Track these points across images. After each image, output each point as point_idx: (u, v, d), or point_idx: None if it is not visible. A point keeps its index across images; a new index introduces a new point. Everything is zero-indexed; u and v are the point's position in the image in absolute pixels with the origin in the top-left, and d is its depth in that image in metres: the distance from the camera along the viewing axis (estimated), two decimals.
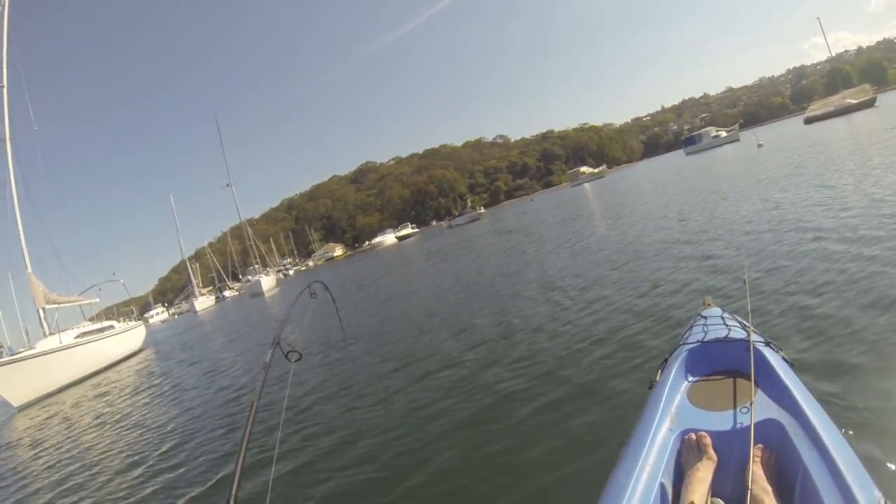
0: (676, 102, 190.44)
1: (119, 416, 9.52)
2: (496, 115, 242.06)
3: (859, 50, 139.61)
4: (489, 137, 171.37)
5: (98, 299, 27.03)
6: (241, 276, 75.49)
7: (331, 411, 5.36)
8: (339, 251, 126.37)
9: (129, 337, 25.49)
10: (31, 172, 22.96)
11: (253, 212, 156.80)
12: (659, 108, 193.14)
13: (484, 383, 4.86)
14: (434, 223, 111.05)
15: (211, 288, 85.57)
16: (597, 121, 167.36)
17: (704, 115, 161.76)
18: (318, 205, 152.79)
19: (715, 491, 1.80)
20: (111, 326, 24.77)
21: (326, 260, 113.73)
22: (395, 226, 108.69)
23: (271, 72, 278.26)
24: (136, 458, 6.18)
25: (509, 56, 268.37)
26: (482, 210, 76.32)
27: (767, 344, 2.41)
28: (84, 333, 22.03)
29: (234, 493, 1.48)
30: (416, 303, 11.87)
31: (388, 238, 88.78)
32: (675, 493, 1.80)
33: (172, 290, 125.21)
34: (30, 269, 21.30)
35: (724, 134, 65.90)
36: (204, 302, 65.11)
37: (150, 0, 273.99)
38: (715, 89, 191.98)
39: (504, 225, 30.97)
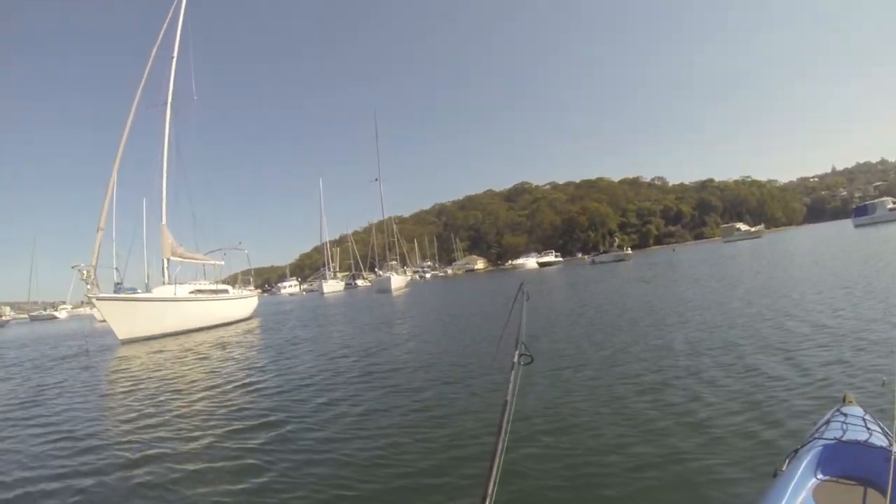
0: (850, 165, 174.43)
1: (199, 375, 9.89)
2: (657, 153, 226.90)
3: None
4: (647, 177, 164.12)
5: (223, 262, 28.02)
6: (377, 269, 77.80)
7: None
8: (480, 264, 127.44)
9: (240, 303, 26.14)
10: (185, 136, 23.87)
11: (403, 211, 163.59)
12: (829, 170, 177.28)
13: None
14: (579, 255, 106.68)
15: (347, 273, 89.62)
16: (760, 175, 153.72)
17: (880, 183, 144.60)
18: (468, 215, 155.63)
19: None
20: (226, 290, 25.66)
21: (467, 271, 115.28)
22: (541, 250, 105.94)
23: (445, 82, 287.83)
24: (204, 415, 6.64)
25: (683, 94, 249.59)
26: (629, 251, 70.94)
27: None
28: (199, 290, 22.81)
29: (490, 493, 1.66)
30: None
31: (531, 262, 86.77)
32: None
33: (311, 267, 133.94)
34: (164, 221, 22.29)
35: None
36: (333, 286, 68.52)
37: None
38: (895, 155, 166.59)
39: (651, 272, 27.33)
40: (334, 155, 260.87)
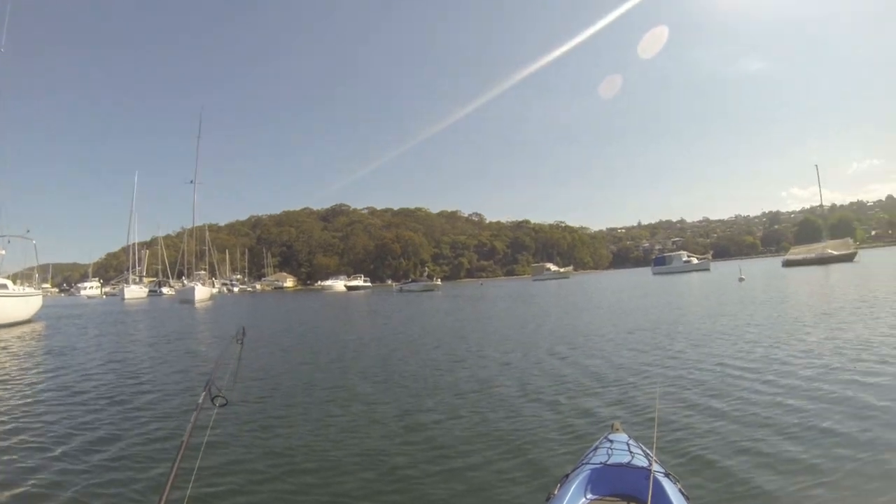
0: (653, 221, 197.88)
1: None
2: (476, 190, 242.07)
3: (833, 207, 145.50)
4: (465, 213, 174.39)
5: (3, 251, 25.34)
6: (184, 278, 73.42)
7: (251, 455, 4.98)
8: (290, 282, 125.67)
9: (17, 302, 23.74)
10: None
11: (219, 218, 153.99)
12: (636, 224, 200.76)
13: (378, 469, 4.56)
14: (390, 282, 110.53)
15: (154, 279, 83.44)
16: (573, 221, 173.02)
17: (678, 238, 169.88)
18: (282, 231, 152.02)
19: None
20: (3, 286, 23.16)
21: (276, 288, 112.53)
22: (351, 273, 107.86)
23: (269, 74, 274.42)
24: None
25: (516, 141, 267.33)
26: (439, 282, 74.45)
27: (667, 475, 2.48)
28: None
29: None
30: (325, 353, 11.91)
31: (339, 284, 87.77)
32: None
33: (117, 268, 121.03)
34: None
35: (695, 261, 67.46)
36: (135, 291, 63.43)
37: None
38: (692, 217, 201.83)
39: (452, 305, 30.16)
40: (154, 150, 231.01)
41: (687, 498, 2.40)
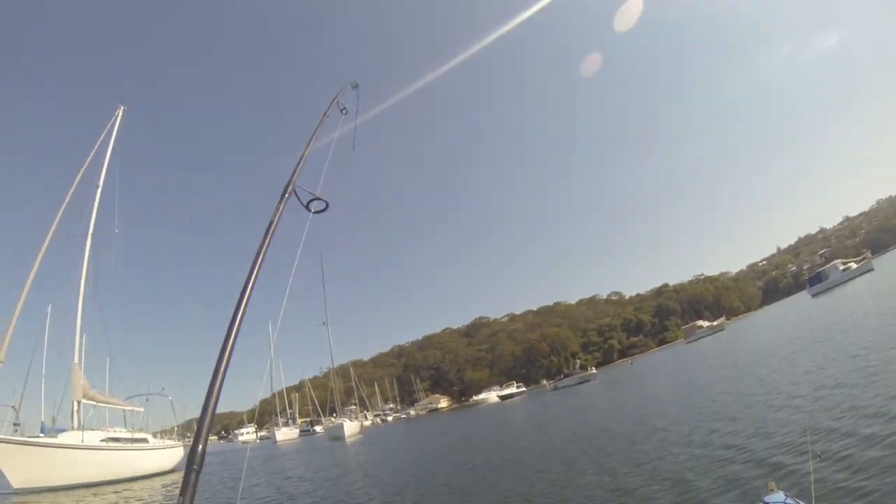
0: (792, 242, 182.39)
1: None
2: (611, 271, 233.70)
3: None
4: (603, 294, 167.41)
5: (142, 409, 26.15)
6: (336, 414, 74.24)
7: None
8: (444, 402, 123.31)
9: (161, 455, 24.09)
10: (104, 271, 22.97)
11: (363, 354, 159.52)
12: (774, 251, 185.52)
13: None
14: (543, 382, 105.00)
15: (306, 419, 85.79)
16: (712, 270, 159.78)
17: (824, 250, 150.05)
18: (427, 355, 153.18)
19: None
20: (144, 440, 23.70)
21: (430, 410, 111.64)
22: (503, 382, 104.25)
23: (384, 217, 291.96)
24: None
25: (629, 209, 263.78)
26: (593, 370, 70.21)
27: None
28: (112, 438, 21.06)
29: None
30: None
31: (492, 396, 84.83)
32: None
33: (270, 413, 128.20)
34: (76, 360, 21.04)
35: (853, 265, 58.49)
36: (287, 433, 64.66)
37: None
38: (830, 222, 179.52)
39: (618, 391, 26.53)
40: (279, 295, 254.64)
41: None
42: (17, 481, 16.20)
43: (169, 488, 17.23)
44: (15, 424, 18.18)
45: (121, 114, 25.69)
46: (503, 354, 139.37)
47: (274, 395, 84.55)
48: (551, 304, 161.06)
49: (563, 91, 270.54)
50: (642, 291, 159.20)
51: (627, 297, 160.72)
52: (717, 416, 9.13)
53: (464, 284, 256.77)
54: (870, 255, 62.18)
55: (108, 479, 19.10)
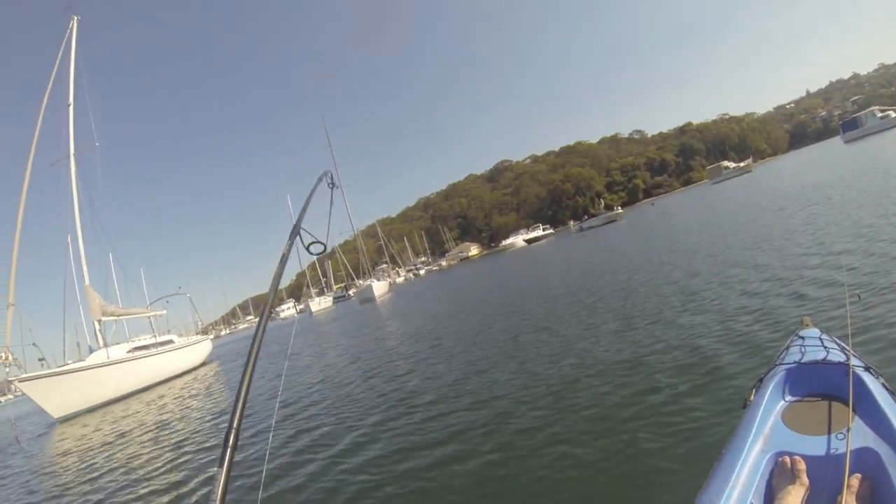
0: (823, 86, 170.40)
1: (145, 436, 9.59)
2: (628, 107, 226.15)
3: None
4: (625, 133, 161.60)
5: (164, 311, 26.99)
6: (367, 276, 76.31)
7: None
8: (474, 250, 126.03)
9: (188, 352, 24.96)
10: (93, 187, 22.55)
11: (391, 211, 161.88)
12: (804, 94, 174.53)
13: (571, 395, 4.83)
14: (570, 223, 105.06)
15: (341, 285, 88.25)
16: (737, 111, 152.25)
17: (857, 97, 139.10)
18: (453, 204, 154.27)
19: None
20: (170, 341, 24.50)
21: (461, 259, 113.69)
22: (531, 225, 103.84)
23: (402, 75, 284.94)
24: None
25: (640, 46, 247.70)
26: (620, 210, 67.68)
27: (867, 369, 2.25)
28: (138, 348, 21.82)
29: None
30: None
31: (519, 240, 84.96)
32: None
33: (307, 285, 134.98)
34: (87, 282, 21.35)
35: (893, 114, 54.12)
36: (320, 303, 66.09)
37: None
38: (865, 68, 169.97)
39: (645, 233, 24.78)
40: (294, 172, 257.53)
41: (892, 393, 2.17)
42: (56, 411, 17.06)
43: (199, 380, 18.30)
44: (40, 360, 18.77)
45: (75, 24, 23.36)
46: (528, 197, 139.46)
47: (309, 267, 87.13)
48: (573, 143, 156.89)
49: None
50: (664, 130, 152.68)
51: (650, 136, 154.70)
52: (754, 257, 8.98)
53: (484, 131, 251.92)
54: None
55: (142, 386, 20.25)
